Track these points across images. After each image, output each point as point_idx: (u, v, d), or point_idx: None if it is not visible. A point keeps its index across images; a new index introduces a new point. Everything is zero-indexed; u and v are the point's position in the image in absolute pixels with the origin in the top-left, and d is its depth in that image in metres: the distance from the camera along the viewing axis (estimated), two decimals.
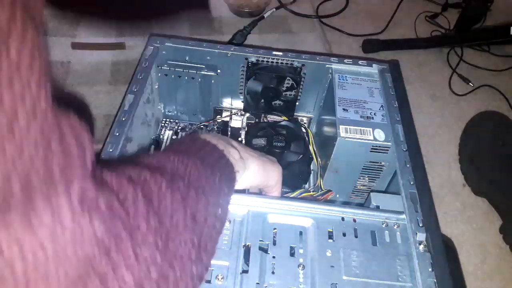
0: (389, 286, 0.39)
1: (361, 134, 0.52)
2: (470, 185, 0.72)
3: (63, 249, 0.21)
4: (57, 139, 0.21)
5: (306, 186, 0.62)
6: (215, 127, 0.69)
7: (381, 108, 0.55)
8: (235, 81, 0.64)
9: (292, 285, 0.38)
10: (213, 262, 0.38)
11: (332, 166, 0.55)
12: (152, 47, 0.60)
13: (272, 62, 0.62)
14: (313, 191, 0.58)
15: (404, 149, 0.50)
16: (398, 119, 0.53)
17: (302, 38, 0.94)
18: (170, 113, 0.69)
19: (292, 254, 0.41)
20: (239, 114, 0.69)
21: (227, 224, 0.42)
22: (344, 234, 0.42)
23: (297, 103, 0.66)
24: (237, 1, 1.00)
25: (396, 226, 0.43)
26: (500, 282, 0.61)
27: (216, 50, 0.60)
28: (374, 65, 0.60)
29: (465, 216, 0.68)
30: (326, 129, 0.61)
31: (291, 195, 0.55)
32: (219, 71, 0.62)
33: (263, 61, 0.61)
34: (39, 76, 0.19)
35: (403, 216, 0.44)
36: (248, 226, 0.42)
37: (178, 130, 0.69)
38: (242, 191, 0.44)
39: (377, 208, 0.47)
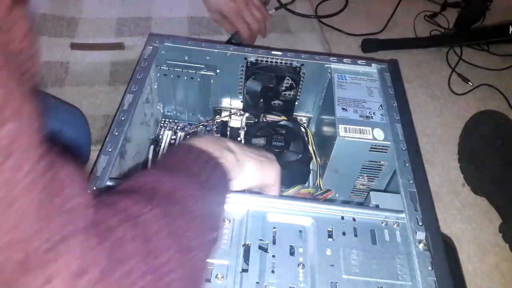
0: (389, 285, 0.39)
1: (360, 133, 0.52)
2: (469, 184, 0.72)
3: None
4: (54, 194, 0.23)
5: (306, 185, 0.62)
6: (214, 127, 0.69)
7: (380, 108, 0.55)
8: (234, 81, 0.64)
9: (292, 284, 0.38)
10: (213, 261, 0.39)
11: (332, 165, 0.55)
12: (151, 47, 0.60)
13: (271, 62, 0.62)
14: (311, 188, 0.59)
15: (404, 148, 0.50)
16: (397, 118, 0.54)
17: (301, 38, 0.94)
18: (169, 113, 0.69)
19: (292, 253, 0.41)
20: (238, 114, 0.69)
21: (226, 223, 0.42)
22: (343, 233, 0.42)
23: (296, 103, 0.66)
24: None
25: (395, 225, 0.43)
26: (500, 280, 0.61)
27: (215, 50, 0.60)
28: (373, 64, 0.60)
29: (464, 215, 0.68)
30: (325, 128, 0.61)
31: (290, 190, 0.55)
32: (218, 71, 0.62)
33: (262, 61, 0.61)
34: (37, 142, 0.21)
35: (403, 215, 0.44)
36: (248, 225, 0.42)
37: (177, 130, 0.69)
38: (242, 191, 0.44)
39: (376, 207, 0.47)
